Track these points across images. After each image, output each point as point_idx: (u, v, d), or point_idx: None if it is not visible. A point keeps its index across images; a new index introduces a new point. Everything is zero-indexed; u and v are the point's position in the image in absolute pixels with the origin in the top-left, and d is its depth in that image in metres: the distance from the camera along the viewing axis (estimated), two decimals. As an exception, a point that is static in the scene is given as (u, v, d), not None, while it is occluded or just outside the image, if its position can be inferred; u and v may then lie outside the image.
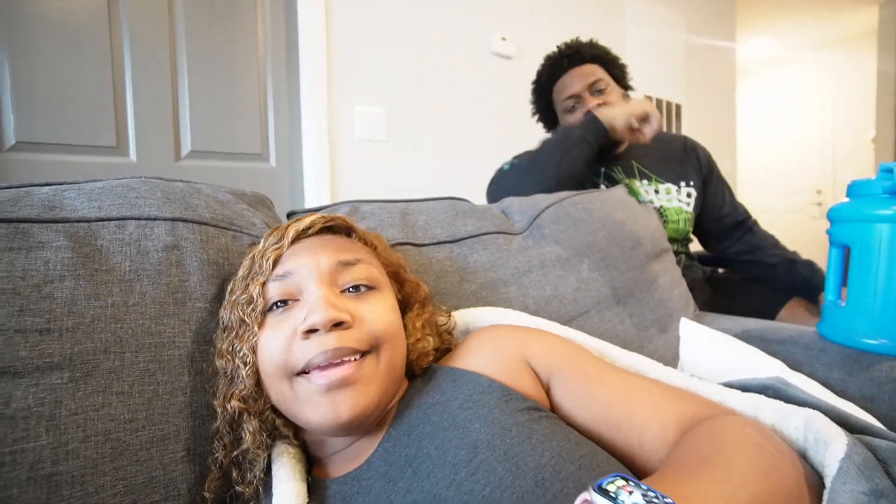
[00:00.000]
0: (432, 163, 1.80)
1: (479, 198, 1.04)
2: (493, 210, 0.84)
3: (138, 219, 0.50)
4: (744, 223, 1.22)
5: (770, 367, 0.64)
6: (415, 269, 0.64)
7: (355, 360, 0.40)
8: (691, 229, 1.23)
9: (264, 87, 1.52)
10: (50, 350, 0.39)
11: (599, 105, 1.14)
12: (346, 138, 1.59)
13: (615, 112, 1.04)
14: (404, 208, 0.75)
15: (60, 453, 0.36)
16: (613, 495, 0.26)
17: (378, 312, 0.44)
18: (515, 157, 1.20)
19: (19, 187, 0.50)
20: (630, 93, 1.26)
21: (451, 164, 1.84)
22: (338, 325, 0.40)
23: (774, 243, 1.21)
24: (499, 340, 0.49)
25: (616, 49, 1.29)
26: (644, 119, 1.03)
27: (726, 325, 0.82)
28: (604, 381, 0.45)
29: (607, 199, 0.91)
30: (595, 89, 1.18)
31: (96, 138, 1.26)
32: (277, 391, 0.41)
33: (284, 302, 0.43)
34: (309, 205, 1.54)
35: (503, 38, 1.94)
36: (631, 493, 0.26)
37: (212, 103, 1.41)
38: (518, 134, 1.95)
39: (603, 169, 1.20)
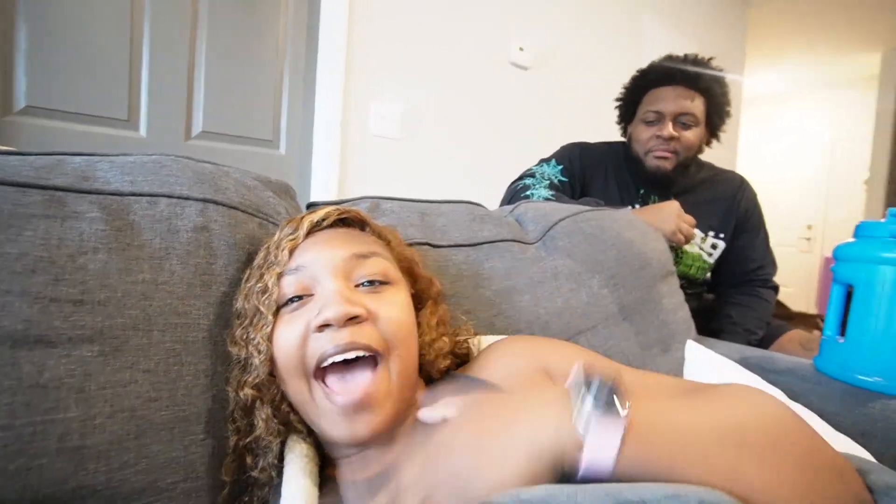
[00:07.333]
0: (443, 165, 1.80)
1: (488, 204, 1.05)
2: (507, 217, 0.85)
3: (170, 196, 0.50)
4: (750, 281, 1.19)
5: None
6: (432, 269, 0.64)
7: (368, 356, 0.40)
8: (703, 278, 1.21)
9: (281, 74, 1.51)
10: (82, 322, 0.38)
11: (675, 138, 1.10)
12: (359, 133, 1.59)
13: (663, 224, 1.02)
14: (423, 209, 0.75)
15: (88, 426, 0.36)
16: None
17: (392, 309, 0.43)
18: (545, 174, 1.18)
19: (52, 155, 0.50)
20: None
21: (461, 168, 1.85)
22: (352, 319, 0.40)
23: (752, 316, 1.16)
24: (512, 356, 0.49)
25: (630, 68, 1.26)
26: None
27: (725, 350, 0.84)
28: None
29: (618, 218, 0.92)
30: (681, 120, 1.11)
31: (108, 110, 1.24)
32: (296, 390, 0.41)
33: (299, 297, 0.43)
34: (315, 196, 1.53)
35: (521, 49, 1.96)
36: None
37: (227, 86, 1.40)
38: (529, 143, 1.96)
39: (642, 191, 1.19)
